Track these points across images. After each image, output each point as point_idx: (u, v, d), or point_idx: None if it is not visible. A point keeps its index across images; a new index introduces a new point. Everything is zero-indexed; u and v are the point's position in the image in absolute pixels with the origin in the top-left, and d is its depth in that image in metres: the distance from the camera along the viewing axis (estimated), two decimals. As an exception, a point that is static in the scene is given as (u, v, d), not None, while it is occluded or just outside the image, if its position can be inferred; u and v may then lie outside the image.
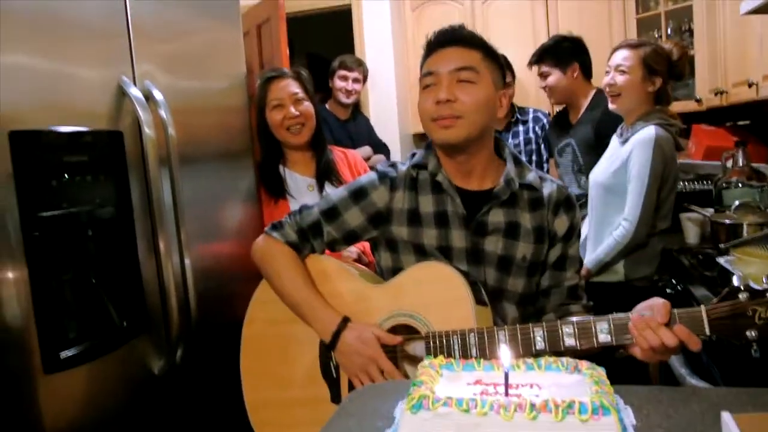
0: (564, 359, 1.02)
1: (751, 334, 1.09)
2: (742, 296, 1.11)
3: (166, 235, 1.60)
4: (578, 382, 0.96)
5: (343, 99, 3.54)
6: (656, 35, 3.60)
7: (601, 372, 0.98)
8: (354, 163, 2.32)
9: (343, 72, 3.54)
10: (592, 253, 2.29)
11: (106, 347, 1.45)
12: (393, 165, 1.52)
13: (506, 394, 0.91)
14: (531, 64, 2.93)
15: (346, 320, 1.39)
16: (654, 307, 1.17)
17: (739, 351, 1.54)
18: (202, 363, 1.76)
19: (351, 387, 1.39)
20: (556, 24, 3.89)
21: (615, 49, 2.32)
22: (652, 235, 2.23)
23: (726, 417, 0.81)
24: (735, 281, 1.14)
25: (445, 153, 1.45)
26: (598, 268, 2.24)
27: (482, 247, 1.42)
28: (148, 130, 1.55)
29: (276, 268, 1.49)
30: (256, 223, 2.08)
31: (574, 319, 1.25)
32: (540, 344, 1.24)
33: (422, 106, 1.42)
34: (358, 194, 1.48)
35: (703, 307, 1.15)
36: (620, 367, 1.20)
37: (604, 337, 1.22)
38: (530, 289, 1.46)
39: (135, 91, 1.55)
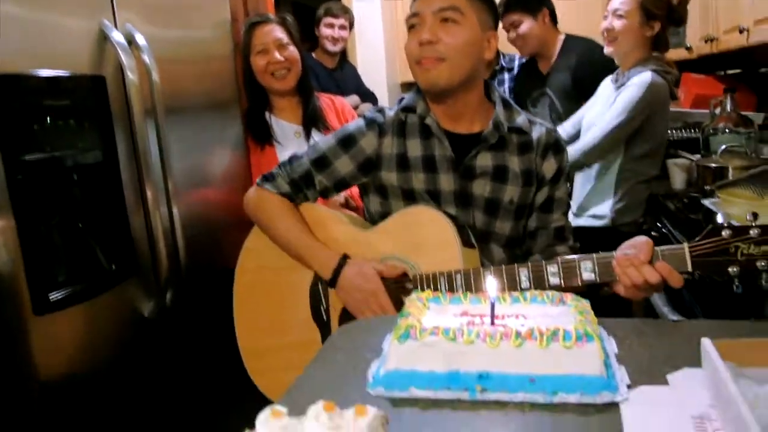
0: (549, 292, 1.04)
1: (733, 270, 1.10)
2: (725, 233, 1.12)
3: (153, 181, 1.59)
4: (563, 313, 0.98)
5: (330, 47, 3.49)
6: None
7: (585, 303, 1.00)
8: (341, 110, 2.30)
9: (329, 19, 3.49)
10: (577, 196, 2.31)
11: (96, 290, 1.45)
12: (381, 110, 1.51)
13: (492, 323, 0.93)
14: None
15: (345, 257, 1.40)
16: (637, 245, 1.18)
17: (720, 288, 1.57)
18: (192, 305, 1.78)
19: None
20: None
21: None
22: (639, 182, 2.24)
23: (706, 343, 0.83)
24: (719, 219, 1.14)
25: (432, 97, 1.44)
26: None
27: (470, 190, 1.43)
28: (131, 75, 1.53)
29: (272, 219, 1.49)
30: (243, 171, 2.08)
31: (559, 258, 1.25)
32: (525, 284, 1.25)
33: (407, 48, 1.40)
34: (347, 142, 1.47)
35: (686, 245, 1.16)
36: (604, 304, 1.22)
37: (588, 276, 1.23)
38: (517, 231, 1.47)
39: (117, 35, 1.52)
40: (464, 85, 1.39)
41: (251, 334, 1.52)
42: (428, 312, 1.00)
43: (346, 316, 1.42)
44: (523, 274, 1.26)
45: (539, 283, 1.25)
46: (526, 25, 2.74)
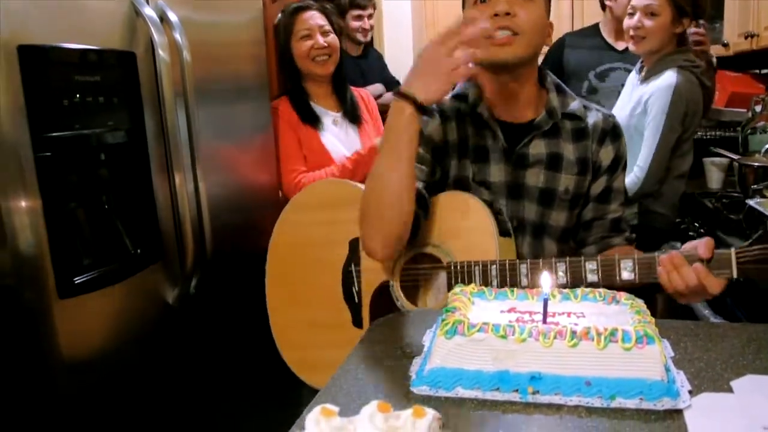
0: (602, 290, 0.99)
1: None
2: None
3: (181, 163, 1.55)
4: (619, 312, 0.92)
5: (361, 38, 3.44)
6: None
7: (640, 303, 0.94)
8: (368, 103, 2.33)
9: (357, 11, 3.42)
10: None
11: (120, 274, 1.41)
12: None
13: (544, 321, 0.88)
14: None
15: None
16: (696, 244, 1.12)
17: (764, 292, 1.51)
18: (217, 293, 1.74)
19: (372, 311, 1.38)
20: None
21: None
22: (674, 178, 2.17)
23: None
24: None
25: (492, 76, 1.34)
26: None
27: (523, 180, 1.36)
28: (162, 53, 1.48)
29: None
30: (271, 156, 2.04)
31: (599, 256, 1.21)
32: (561, 279, 1.20)
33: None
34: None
35: (732, 250, 1.10)
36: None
37: (627, 275, 1.17)
38: (571, 223, 1.40)
39: (149, 11, 1.48)
40: (527, 66, 1.32)
41: (282, 308, 1.51)
42: (473, 307, 0.95)
43: (377, 298, 1.39)
44: (560, 269, 1.21)
45: (576, 279, 1.19)
46: None
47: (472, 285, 1.00)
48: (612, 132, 1.39)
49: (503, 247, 1.30)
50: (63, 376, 1.29)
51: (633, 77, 2.28)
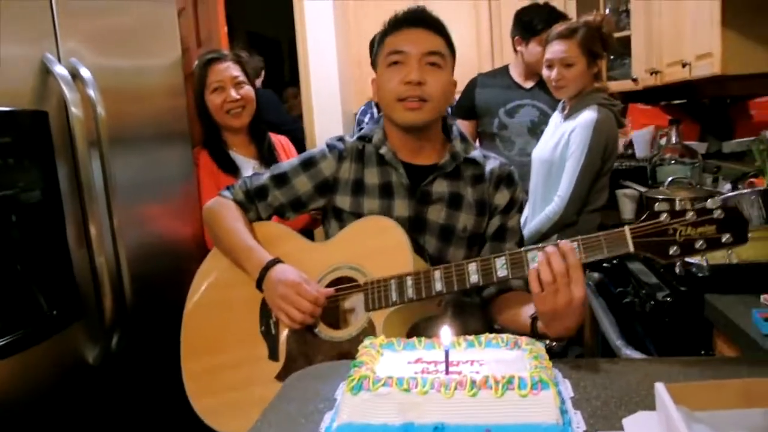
0: (504, 335, 1.03)
1: (673, 250, 1.10)
2: (664, 216, 1.11)
3: (97, 219, 1.54)
4: (518, 358, 0.96)
5: None
6: (595, 15, 3.65)
7: (540, 347, 0.99)
8: (287, 150, 2.37)
9: None
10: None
11: (36, 337, 1.38)
12: (341, 138, 1.55)
13: (447, 372, 0.92)
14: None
15: (277, 260, 1.41)
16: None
17: (671, 324, 1.60)
18: (139, 349, 1.71)
19: (289, 342, 1.40)
20: (498, 7, 3.88)
21: (548, 42, 2.29)
22: (590, 212, 2.27)
23: (659, 388, 0.83)
24: (656, 207, 1.14)
25: (399, 131, 1.47)
26: (532, 240, 2.26)
27: (425, 215, 1.45)
28: (74, 110, 1.48)
29: (218, 218, 1.52)
30: (193, 205, 2.03)
31: (508, 252, 1.25)
32: (474, 277, 1.25)
33: (387, 85, 1.42)
34: (308, 163, 1.52)
35: (626, 227, 1.15)
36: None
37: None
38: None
39: (60, 69, 1.47)
40: (433, 124, 1.46)
41: (195, 355, 1.49)
42: (381, 359, 0.98)
43: (295, 330, 1.39)
44: (472, 269, 1.26)
45: (487, 275, 1.24)
46: None
47: (381, 337, 1.04)
48: (507, 178, 1.51)
49: (417, 264, 1.35)
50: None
51: (556, 117, 2.39)
